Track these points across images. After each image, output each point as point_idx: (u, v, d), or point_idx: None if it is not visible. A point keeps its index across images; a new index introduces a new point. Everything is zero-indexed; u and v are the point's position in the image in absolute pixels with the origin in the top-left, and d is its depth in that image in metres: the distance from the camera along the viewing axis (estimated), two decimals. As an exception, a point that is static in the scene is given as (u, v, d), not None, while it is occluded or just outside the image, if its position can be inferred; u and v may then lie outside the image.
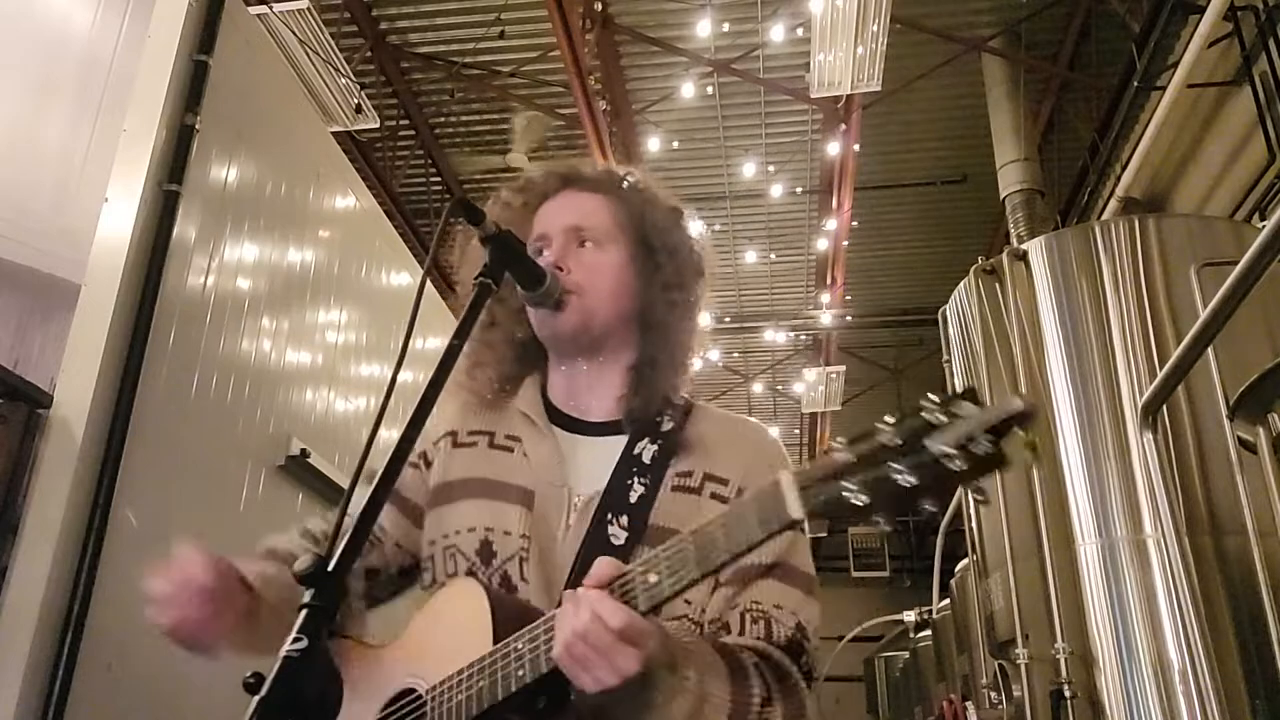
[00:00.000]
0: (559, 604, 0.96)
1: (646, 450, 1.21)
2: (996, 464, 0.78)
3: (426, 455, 1.31)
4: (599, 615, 0.91)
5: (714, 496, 1.19)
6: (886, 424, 0.83)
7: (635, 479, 1.19)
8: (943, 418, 0.79)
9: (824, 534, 13.20)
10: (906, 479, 0.80)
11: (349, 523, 0.92)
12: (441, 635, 1.11)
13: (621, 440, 1.23)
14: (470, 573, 1.19)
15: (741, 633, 1.13)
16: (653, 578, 0.93)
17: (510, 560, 1.18)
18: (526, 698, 0.98)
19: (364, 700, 1.14)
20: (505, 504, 1.21)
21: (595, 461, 1.22)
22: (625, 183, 1.34)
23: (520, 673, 0.98)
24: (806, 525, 0.88)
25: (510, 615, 1.04)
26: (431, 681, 1.07)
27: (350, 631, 1.22)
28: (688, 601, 1.14)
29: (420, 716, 1.06)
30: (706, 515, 0.97)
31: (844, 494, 0.83)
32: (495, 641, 1.01)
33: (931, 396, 0.82)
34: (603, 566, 0.97)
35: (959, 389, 0.82)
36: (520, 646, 0.99)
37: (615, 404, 1.25)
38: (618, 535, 1.14)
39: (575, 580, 1.09)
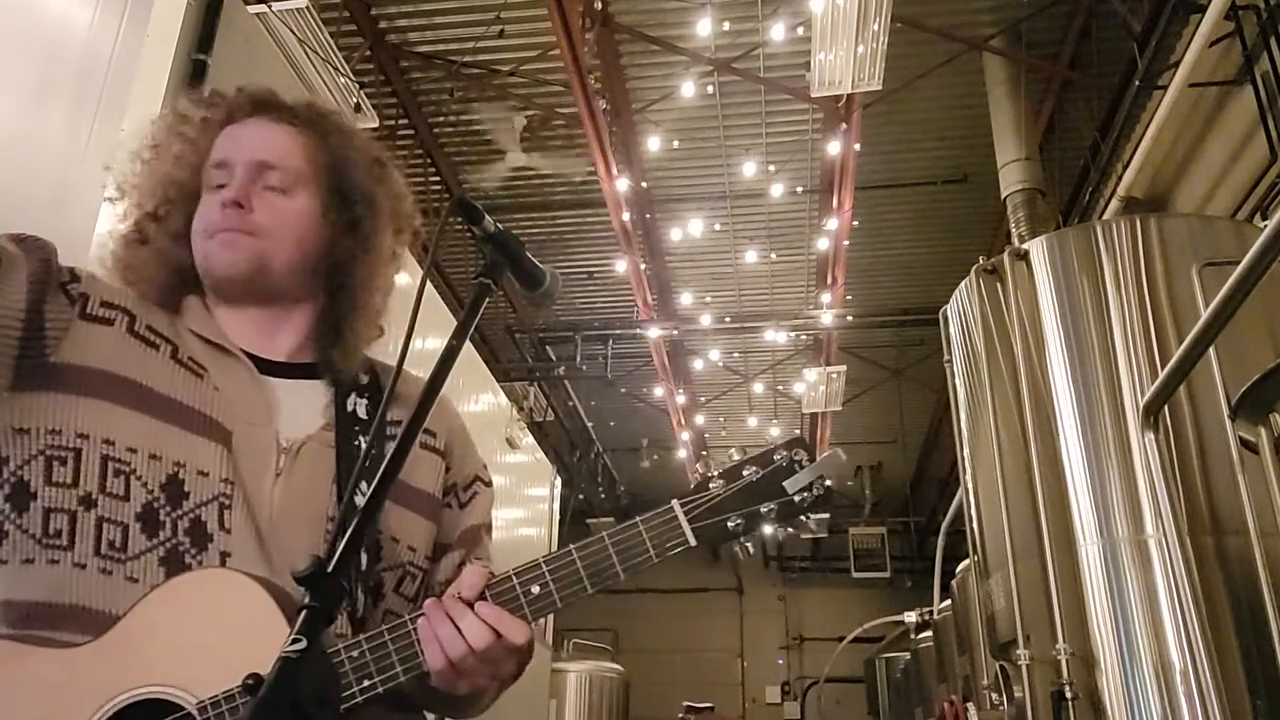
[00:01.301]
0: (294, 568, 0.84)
1: (360, 406, 1.18)
2: (826, 502, 1.09)
3: (88, 303, 1.07)
4: (503, 632, 0.97)
5: (426, 447, 1.21)
6: (754, 470, 1.09)
7: (359, 410, 1.17)
8: (787, 465, 1.09)
9: (824, 534, 13.20)
10: (769, 510, 1.07)
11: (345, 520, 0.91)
12: (205, 637, 0.94)
13: (316, 385, 1.17)
14: (150, 508, 0.99)
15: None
16: (536, 589, 1.00)
17: (207, 505, 1.02)
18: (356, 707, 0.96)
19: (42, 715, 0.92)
20: (198, 437, 1.04)
21: (296, 404, 1.13)
22: (326, 120, 1.24)
23: (365, 684, 0.96)
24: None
25: (286, 604, 0.96)
26: (202, 693, 0.92)
27: None
28: (412, 549, 1.16)
29: None
30: (423, 467, 1.16)
31: (727, 524, 1.06)
32: None
33: (780, 451, 1.11)
34: (474, 575, 1.00)
35: (793, 438, 1.13)
36: (357, 656, 0.96)
37: (300, 347, 1.18)
38: (360, 497, 1.05)
39: (302, 536, 1.04)
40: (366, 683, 0.95)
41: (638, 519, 1.05)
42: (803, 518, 1.09)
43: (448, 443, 1.26)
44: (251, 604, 0.95)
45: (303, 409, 1.14)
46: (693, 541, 1.04)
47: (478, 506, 1.28)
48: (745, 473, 1.09)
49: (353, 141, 1.25)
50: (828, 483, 1.10)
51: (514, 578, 1.01)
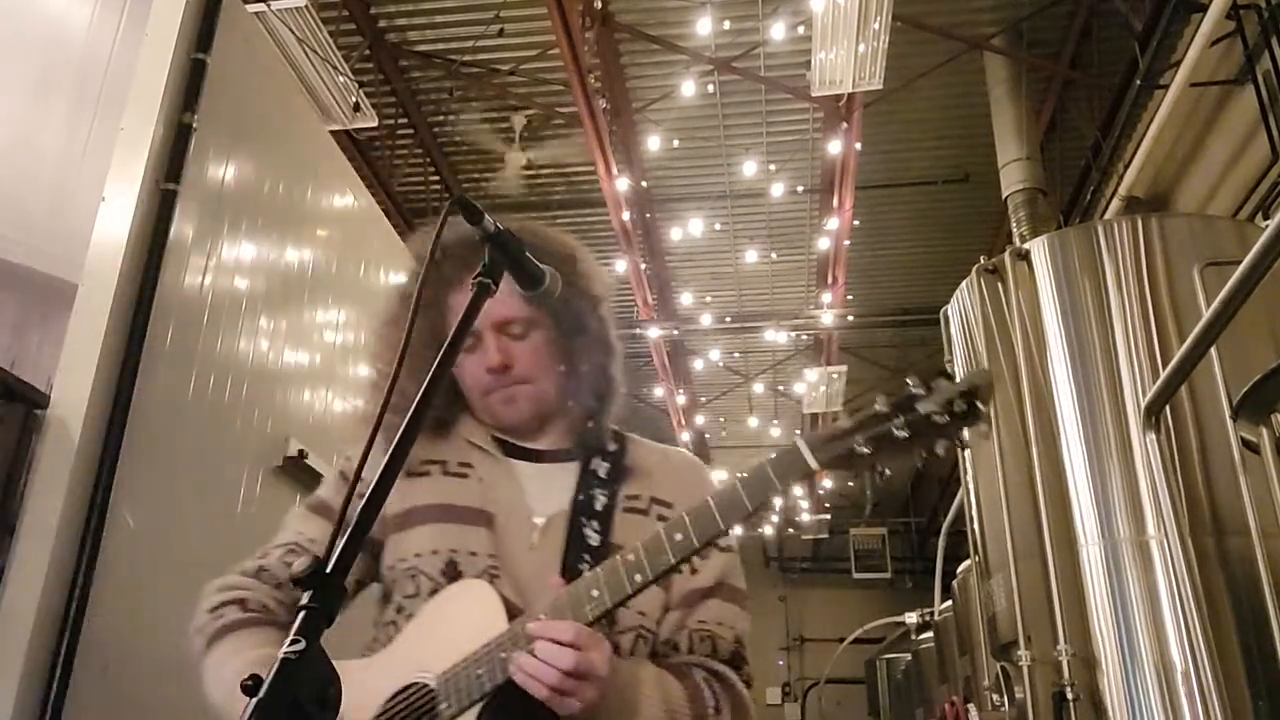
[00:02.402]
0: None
1: (600, 466, 1.36)
2: (969, 418, 1.05)
3: None
4: (552, 636, 1.08)
5: (661, 519, 1.29)
6: (882, 399, 1.09)
7: (597, 490, 1.33)
8: (924, 390, 1.07)
9: (825, 535, 13.20)
10: (902, 432, 1.06)
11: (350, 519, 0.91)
12: (450, 632, 1.18)
13: (572, 465, 1.36)
14: (435, 592, 1.25)
15: (691, 651, 1.30)
16: (679, 535, 1.11)
17: (479, 578, 1.25)
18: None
19: (361, 706, 1.18)
20: (466, 526, 1.29)
21: (550, 486, 1.34)
22: (529, 247, 1.35)
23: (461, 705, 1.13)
24: (818, 474, 1.11)
25: (513, 608, 1.17)
26: (440, 670, 1.15)
27: None
28: (642, 613, 1.29)
29: (431, 699, 1.14)
30: (650, 531, 1.21)
31: (854, 447, 1.07)
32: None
33: (914, 378, 1.10)
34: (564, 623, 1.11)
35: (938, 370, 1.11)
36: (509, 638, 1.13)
37: (559, 436, 1.39)
38: (592, 537, 1.28)
39: (568, 580, 1.20)
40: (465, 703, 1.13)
41: (765, 460, 1.11)
42: (946, 437, 1.05)
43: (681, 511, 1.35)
44: (482, 602, 1.18)
45: (555, 489, 1.34)
46: (814, 465, 1.07)
47: (706, 571, 1.34)
48: (876, 404, 1.09)
49: (562, 255, 1.38)
50: (972, 397, 1.04)
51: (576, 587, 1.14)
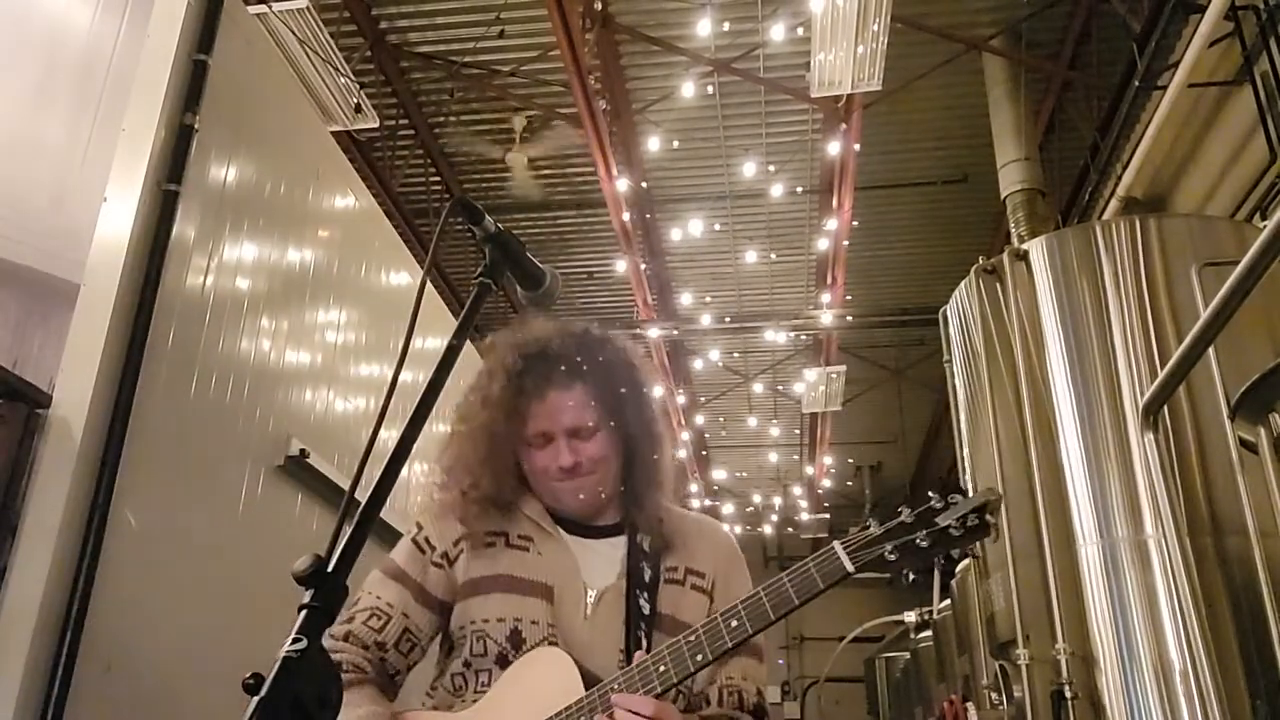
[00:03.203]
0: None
1: (645, 540, 1.54)
2: (981, 531, 1.25)
3: (449, 555, 1.54)
4: (629, 707, 1.27)
5: (694, 588, 1.53)
6: (908, 511, 1.28)
7: (644, 563, 1.51)
8: (943, 505, 1.27)
9: (824, 534, 13.20)
10: (924, 542, 1.26)
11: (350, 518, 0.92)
12: (532, 694, 1.36)
13: (620, 540, 1.55)
14: (501, 655, 1.44)
15: (720, 704, 1.48)
16: (733, 623, 1.30)
17: (540, 645, 1.43)
18: None
19: None
20: (528, 597, 1.47)
21: (602, 561, 1.52)
22: (595, 357, 1.56)
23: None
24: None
25: (588, 675, 1.36)
26: None
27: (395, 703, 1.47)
28: None
29: None
30: (689, 604, 1.49)
31: (883, 554, 1.26)
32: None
33: (933, 494, 1.29)
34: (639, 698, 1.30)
35: (953, 489, 1.28)
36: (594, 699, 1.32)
37: (611, 515, 1.57)
38: (645, 607, 1.47)
39: (629, 648, 1.43)
40: None
41: (807, 560, 1.31)
42: (960, 546, 1.27)
43: (714, 581, 1.56)
44: (561, 670, 1.36)
45: (606, 563, 1.52)
46: (850, 569, 1.28)
47: None
48: (901, 515, 1.29)
49: (618, 362, 1.59)
50: (983, 513, 1.25)
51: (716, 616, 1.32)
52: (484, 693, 1.44)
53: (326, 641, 1.43)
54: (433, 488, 1.60)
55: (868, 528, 1.29)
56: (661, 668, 1.30)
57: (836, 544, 1.30)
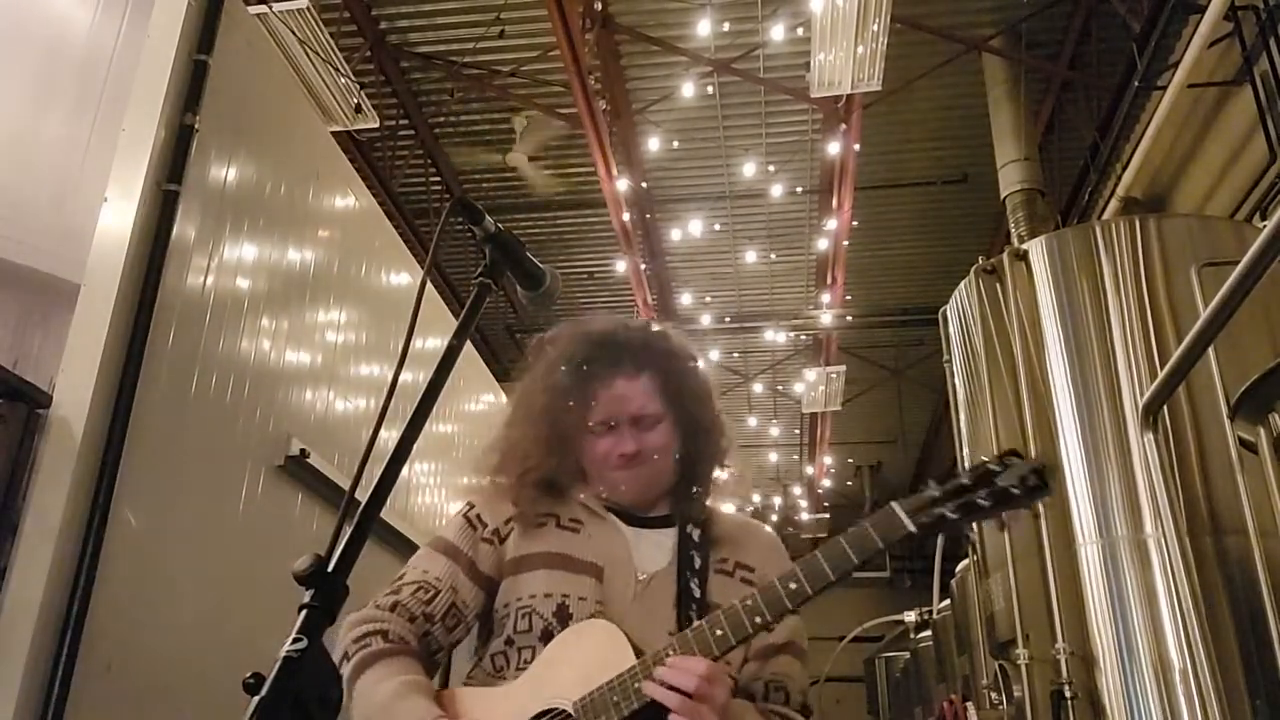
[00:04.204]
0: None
1: (694, 532, 1.55)
2: (1044, 492, 1.22)
3: (500, 533, 1.55)
4: (685, 668, 1.26)
5: (744, 580, 1.53)
6: (966, 471, 1.26)
7: (694, 552, 1.52)
8: (1000, 467, 1.25)
9: (824, 534, 13.20)
10: (985, 501, 1.23)
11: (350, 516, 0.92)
12: (581, 664, 1.35)
13: (670, 530, 1.55)
14: (547, 630, 1.43)
15: (766, 698, 1.48)
16: (791, 585, 1.28)
17: (587, 621, 1.42)
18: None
19: None
20: (578, 575, 1.47)
21: (652, 547, 1.53)
22: (660, 352, 1.58)
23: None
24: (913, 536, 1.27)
25: (637, 645, 1.34)
26: (575, 698, 1.31)
27: (437, 679, 1.46)
28: (728, 662, 1.42)
29: None
30: (740, 595, 1.40)
31: (945, 513, 1.23)
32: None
33: (989, 456, 1.27)
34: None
35: (1007, 450, 1.27)
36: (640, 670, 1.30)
37: (663, 504, 1.57)
38: (695, 591, 1.47)
39: (679, 631, 1.39)
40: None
41: (863, 520, 1.28)
42: (1022, 506, 1.24)
43: (763, 576, 1.53)
44: (612, 640, 1.35)
45: (656, 549, 1.53)
46: (911, 528, 1.25)
47: (780, 630, 1.50)
48: (960, 475, 1.27)
49: (682, 356, 1.61)
50: (1042, 474, 1.23)
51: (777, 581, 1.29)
52: (527, 669, 1.42)
53: (371, 612, 1.45)
54: (487, 469, 1.59)
55: (925, 488, 1.27)
56: (719, 631, 1.28)
57: (894, 504, 1.27)
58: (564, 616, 1.44)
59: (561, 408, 1.54)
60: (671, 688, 1.24)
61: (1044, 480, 1.23)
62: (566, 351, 1.59)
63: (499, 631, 1.49)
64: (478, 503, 1.59)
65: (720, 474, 1.62)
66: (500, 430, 1.62)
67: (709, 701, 1.25)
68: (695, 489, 1.58)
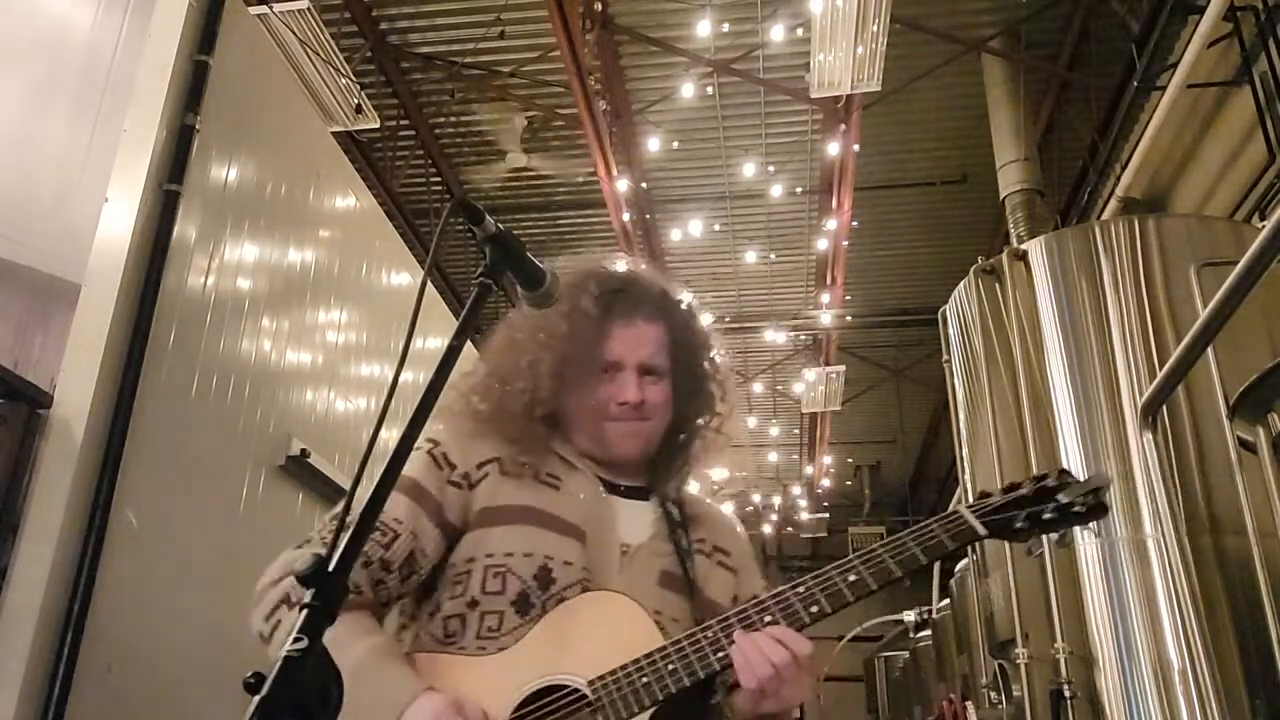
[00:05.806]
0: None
1: (674, 510, 1.47)
2: (1102, 512, 1.25)
3: (469, 477, 1.38)
4: (789, 646, 1.19)
5: (720, 564, 1.46)
6: (1029, 483, 1.27)
7: (678, 529, 1.44)
8: (1058, 484, 1.26)
9: (823, 534, 13.20)
10: (1050, 515, 1.24)
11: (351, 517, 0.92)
12: (598, 639, 1.23)
13: (647, 505, 1.46)
14: (523, 595, 1.29)
15: None
16: (852, 577, 1.24)
17: (571, 588, 1.30)
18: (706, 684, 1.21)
19: (490, 702, 1.21)
20: (561, 536, 1.34)
21: (633, 518, 1.43)
22: (675, 306, 1.49)
23: (703, 661, 1.20)
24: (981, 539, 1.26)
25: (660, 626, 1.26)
26: (589, 676, 1.20)
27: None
28: None
29: (584, 703, 1.19)
30: (716, 581, 1.42)
31: (1014, 521, 1.24)
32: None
33: (1044, 471, 1.29)
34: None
35: (1060, 469, 1.29)
36: (699, 639, 1.21)
37: (642, 476, 1.47)
38: (683, 570, 1.39)
39: (663, 604, 1.33)
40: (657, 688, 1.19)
41: (930, 521, 1.26)
42: (1080, 524, 1.25)
43: (738, 562, 1.49)
44: (631, 615, 1.25)
45: (637, 522, 1.42)
46: (983, 532, 1.25)
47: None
48: (1022, 487, 1.27)
49: (699, 324, 1.52)
50: (1100, 495, 1.25)
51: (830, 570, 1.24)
52: (492, 638, 1.27)
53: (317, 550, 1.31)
54: (469, 395, 1.42)
55: (989, 495, 1.26)
56: (814, 607, 1.23)
57: (962, 508, 1.26)
58: (545, 581, 1.29)
59: (578, 336, 1.40)
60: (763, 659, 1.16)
61: (1101, 501, 1.24)
62: (591, 283, 1.46)
63: (455, 591, 1.31)
64: (444, 440, 1.40)
65: (708, 450, 1.52)
66: (491, 356, 1.46)
67: (794, 678, 1.18)
68: (675, 462, 1.48)
